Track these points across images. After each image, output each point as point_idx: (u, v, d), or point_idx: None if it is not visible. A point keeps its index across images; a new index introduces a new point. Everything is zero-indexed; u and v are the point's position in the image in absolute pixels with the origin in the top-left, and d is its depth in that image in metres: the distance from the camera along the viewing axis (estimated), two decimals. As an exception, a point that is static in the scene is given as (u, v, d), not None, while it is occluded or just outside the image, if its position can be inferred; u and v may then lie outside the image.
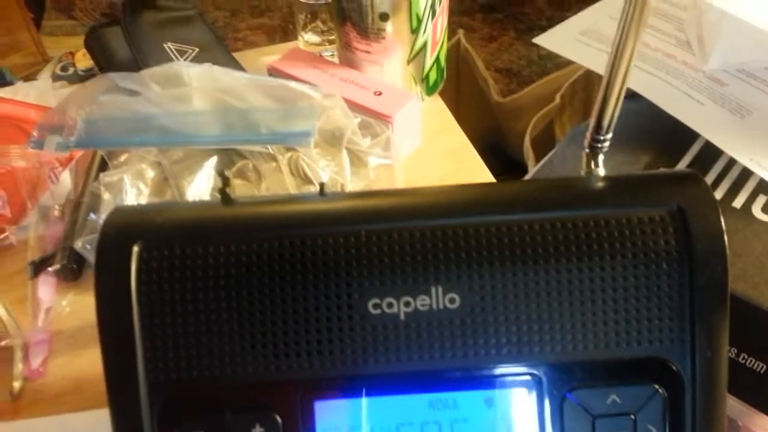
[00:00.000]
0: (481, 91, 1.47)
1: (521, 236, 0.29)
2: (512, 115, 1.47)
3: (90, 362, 0.45)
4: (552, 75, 1.44)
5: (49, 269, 0.50)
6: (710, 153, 0.62)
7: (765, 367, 0.58)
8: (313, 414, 0.29)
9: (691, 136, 0.62)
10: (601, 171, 0.32)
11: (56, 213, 0.55)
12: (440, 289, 0.29)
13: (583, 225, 0.29)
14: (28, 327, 0.47)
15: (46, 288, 0.50)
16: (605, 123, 0.31)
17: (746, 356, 0.58)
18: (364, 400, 0.30)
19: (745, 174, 0.61)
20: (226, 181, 0.32)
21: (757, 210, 0.59)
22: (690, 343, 0.29)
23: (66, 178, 0.57)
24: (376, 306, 0.29)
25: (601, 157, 0.32)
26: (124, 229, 0.30)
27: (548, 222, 0.29)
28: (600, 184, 0.31)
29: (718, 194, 0.61)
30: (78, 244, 0.50)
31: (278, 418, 0.29)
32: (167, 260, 0.29)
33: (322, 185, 0.32)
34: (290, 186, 0.48)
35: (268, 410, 0.29)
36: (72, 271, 0.50)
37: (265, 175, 0.48)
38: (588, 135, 0.31)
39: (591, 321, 0.29)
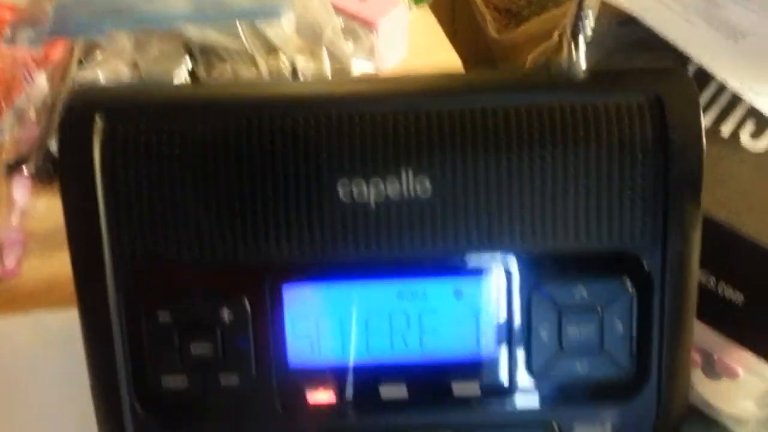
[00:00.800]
0: (477, 27, 1.44)
1: (495, 122, 0.28)
2: (509, 52, 1.45)
3: (64, 263, 0.44)
4: (550, 12, 1.41)
5: (24, 171, 0.49)
6: (701, 79, 0.61)
7: (743, 297, 0.59)
8: (281, 299, 0.29)
9: (683, 60, 0.61)
10: (582, 62, 0.31)
11: (32, 116, 0.54)
12: (411, 175, 0.28)
13: (559, 111, 0.28)
14: (2, 227, 0.46)
15: (20, 190, 0.49)
16: (587, 3, 0.29)
17: (725, 286, 0.59)
18: (333, 287, 0.29)
19: (735, 101, 0.60)
20: (194, 61, 0.31)
21: (745, 137, 0.59)
22: (661, 238, 0.29)
23: (42, 82, 0.55)
24: (345, 190, 0.28)
25: (582, 47, 0.30)
26: (88, 103, 0.29)
27: (523, 108, 0.28)
28: (579, 73, 0.30)
29: (707, 121, 0.60)
30: (53, 146, 0.49)
31: (246, 303, 0.29)
32: (132, 135, 0.28)
33: (294, 68, 0.31)
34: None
35: (237, 294, 0.29)
36: (47, 173, 0.49)
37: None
38: (569, 21, 0.30)
39: (563, 212, 0.29)
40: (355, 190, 0.28)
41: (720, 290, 0.59)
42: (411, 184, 0.28)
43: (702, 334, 0.64)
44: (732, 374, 0.66)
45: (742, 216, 0.55)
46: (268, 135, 0.28)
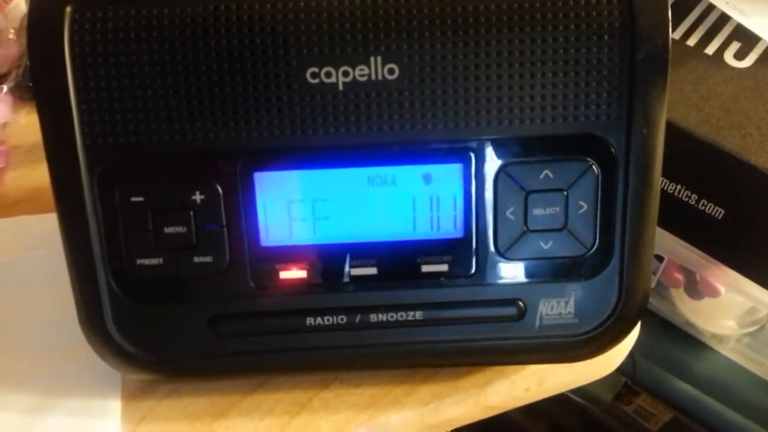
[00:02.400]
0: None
1: (464, 6, 0.28)
2: None
3: (46, 174, 0.45)
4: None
5: (5, 87, 0.49)
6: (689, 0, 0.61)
7: (723, 212, 0.60)
8: (252, 184, 0.30)
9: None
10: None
11: (11, 36, 0.53)
12: (379, 59, 0.29)
13: None
14: (-16, 142, 0.47)
15: (1, 105, 0.49)
16: None
17: (705, 202, 0.60)
18: (303, 172, 0.30)
19: (721, 21, 0.60)
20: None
21: (729, 56, 0.59)
22: (626, 120, 0.29)
23: (21, 2, 0.55)
24: (314, 75, 0.29)
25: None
26: None
27: None
28: (548, -41, 0.30)
29: (692, 41, 0.60)
30: (32, 62, 0.49)
31: (218, 188, 0.30)
32: (101, 22, 0.28)
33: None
34: None
35: (209, 179, 0.30)
36: (27, 88, 0.49)
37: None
38: None
39: (528, 95, 0.29)
40: (324, 77, 0.29)
41: (701, 206, 0.60)
42: (379, 69, 0.29)
43: (684, 253, 0.65)
44: (714, 293, 0.68)
45: (723, 132, 0.56)
46: (236, 22, 0.28)
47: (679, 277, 0.72)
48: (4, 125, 0.48)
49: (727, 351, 0.74)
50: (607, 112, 0.29)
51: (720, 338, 0.75)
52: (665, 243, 0.66)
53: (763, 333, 0.72)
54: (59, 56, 0.28)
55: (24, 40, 0.54)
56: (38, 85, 0.29)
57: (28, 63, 0.30)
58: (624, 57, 0.29)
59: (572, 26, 0.28)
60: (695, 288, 0.71)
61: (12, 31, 0.54)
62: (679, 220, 0.62)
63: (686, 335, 0.76)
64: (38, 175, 0.46)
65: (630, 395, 0.79)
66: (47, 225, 0.42)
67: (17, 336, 0.37)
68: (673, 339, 0.76)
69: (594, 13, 0.28)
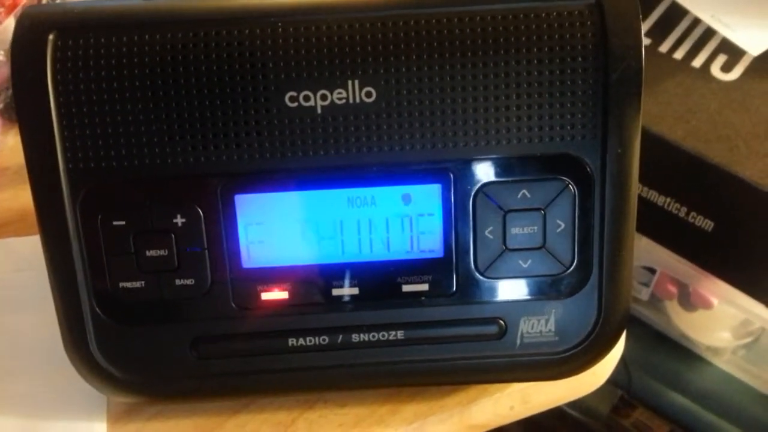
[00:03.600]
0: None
1: (439, 30, 0.29)
2: None
3: None
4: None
5: (-6, 110, 0.50)
6: (675, 13, 0.62)
7: (712, 225, 0.60)
8: (233, 207, 0.30)
9: (657, -3, 0.61)
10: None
11: (1, 58, 0.54)
12: (357, 83, 0.29)
13: (500, 18, 0.29)
14: (-25, 164, 0.47)
15: (-9, 128, 0.49)
16: None
17: (695, 215, 0.60)
18: (284, 195, 0.30)
19: (707, 34, 0.61)
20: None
21: (716, 69, 0.59)
22: (601, 139, 0.29)
23: (11, 24, 0.55)
24: (292, 99, 0.29)
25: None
26: (39, 19, 0.29)
27: (465, 15, 0.29)
28: (522, -19, 0.30)
29: (679, 54, 0.60)
30: (22, 85, 0.50)
31: (199, 211, 0.30)
32: (83, 49, 0.29)
33: (242, -18, 0.32)
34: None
35: (190, 203, 0.30)
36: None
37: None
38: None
39: (504, 117, 0.29)
40: (302, 100, 0.29)
41: (690, 219, 0.60)
42: (357, 93, 0.29)
43: (676, 265, 0.65)
44: (707, 305, 0.68)
45: (711, 144, 0.56)
46: (215, 47, 0.29)
47: (672, 289, 0.72)
48: (-6, 147, 0.49)
49: (722, 363, 0.74)
50: (582, 132, 0.29)
51: (715, 350, 0.75)
52: (657, 255, 0.66)
53: (757, 345, 0.72)
54: (42, 82, 0.29)
55: (15, 62, 0.54)
56: (21, 110, 0.30)
57: (12, 88, 0.30)
58: (598, 78, 0.29)
59: (546, 48, 0.29)
60: (688, 300, 0.71)
61: (2, 53, 0.54)
62: (670, 233, 0.62)
63: (681, 348, 0.76)
64: (27, 197, 0.45)
65: (627, 408, 0.79)
66: (35, 247, 0.43)
67: (3, 358, 0.37)
68: (669, 352, 0.76)
69: (567, 36, 0.29)
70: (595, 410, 0.80)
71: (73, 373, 0.32)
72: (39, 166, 0.30)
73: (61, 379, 0.35)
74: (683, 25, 0.62)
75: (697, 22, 0.60)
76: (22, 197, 0.46)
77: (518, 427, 0.38)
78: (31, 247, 0.42)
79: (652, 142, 0.56)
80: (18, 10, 0.56)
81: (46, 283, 0.33)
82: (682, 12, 0.61)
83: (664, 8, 0.62)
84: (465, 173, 0.30)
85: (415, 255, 0.31)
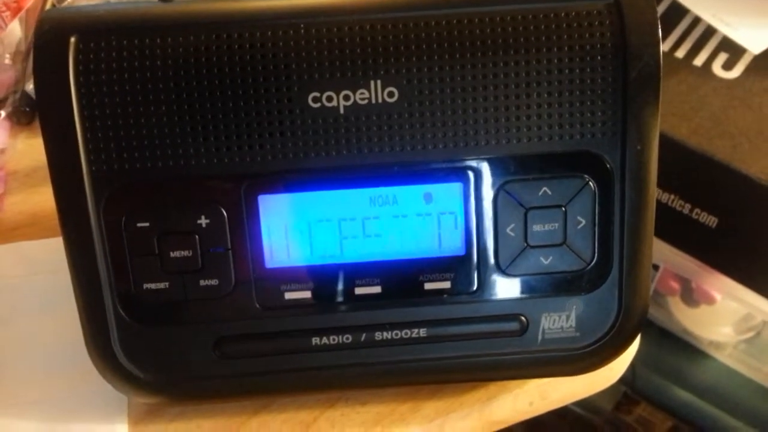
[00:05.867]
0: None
1: (460, 30, 0.29)
2: None
3: (45, 199, 0.45)
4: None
5: (2, 113, 0.50)
6: (676, 12, 0.62)
7: (716, 221, 0.61)
8: (257, 207, 0.30)
9: (657, -6, 0.62)
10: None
11: (7, 61, 0.54)
12: (379, 83, 0.29)
13: (520, 18, 0.29)
14: (-16, 168, 0.47)
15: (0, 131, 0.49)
16: None
17: (699, 211, 0.61)
18: (307, 194, 0.30)
19: (708, 33, 0.61)
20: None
21: (717, 67, 0.60)
22: (621, 136, 0.30)
23: (16, 27, 0.55)
24: (315, 99, 0.29)
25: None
26: (61, 22, 0.29)
27: (485, 16, 0.29)
28: (541, -19, 0.31)
29: (681, 53, 0.61)
30: (29, 88, 0.50)
31: (223, 211, 0.30)
32: (105, 52, 0.29)
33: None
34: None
35: (213, 203, 0.30)
36: (25, 114, 0.49)
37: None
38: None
39: (526, 115, 0.30)
40: (325, 101, 0.29)
41: (694, 215, 0.61)
42: (379, 93, 0.29)
43: (679, 261, 0.66)
44: (710, 300, 0.69)
45: (714, 142, 0.57)
46: (238, 49, 0.29)
47: (675, 285, 0.73)
48: (2, 151, 0.48)
49: (724, 357, 0.75)
50: (602, 129, 0.30)
51: (717, 345, 0.75)
52: (660, 252, 0.67)
53: (759, 339, 0.72)
54: (65, 85, 0.29)
55: (19, 66, 0.54)
56: (44, 113, 0.30)
57: (35, 92, 0.30)
58: (617, 76, 0.29)
59: (566, 47, 0.29)
60: (691, 296, 0.72)
61: (8, 56, 0.54)
62: (674, 229, 0.63)
63: (684, 343, 0.76)
64: (37, 200, 0.46)
65: (630, 404, 0.80)
66: (48, 250, 0.43)
67: (21, 361, 0.37)
68: (672, 347, 0.76)
69: (587, 35, 0.29)
70: (598, 406, 0.81)
71: (92, 375, 0.32)
72: (62, 169, 0.30)
73: (81, 382, 0.35)
74: (684, 23, 0.62)
75: (697, 20, 0.61)
76: (32, 201, 0.46)
77: (521, 423, 0.38)
78: (44, 250, 0.42)
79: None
80: (23, 14, 0.56)
81: (60, 286, 0.33)
82: (683, 11, 0.61)
83: (665, 7, 0.62)
84: (486, 172, 0.30)
85: (436, 253, 0.31)
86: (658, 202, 0.61)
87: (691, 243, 0.63)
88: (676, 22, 0.62)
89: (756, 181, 0.54)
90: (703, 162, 0.56)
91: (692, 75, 0.59)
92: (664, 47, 0.62)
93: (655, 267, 0.70)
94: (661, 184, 0.60)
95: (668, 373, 0.76)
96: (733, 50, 0.59)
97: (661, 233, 0.65)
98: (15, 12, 0.56)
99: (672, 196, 0.61)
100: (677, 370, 0.76)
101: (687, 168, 0.58)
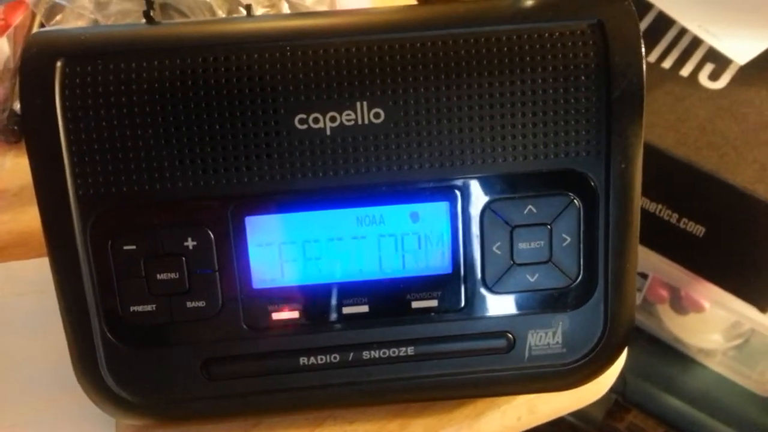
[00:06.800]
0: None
1: (445, 51, 0.29)
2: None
3: (33, 218, 0.44)
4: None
5: (-10, 131, 0.50)
6: (662, 23, 0.63)
7: (704, 230, 0.61)
8: (243, 229, 0.30)
9: (644, 6, 0.62)
10: (528, -8, 0.32)
11: (-5, 79, 0.54)
12: (365, 104, 0.29)
13: (505, 39, 0.29)
14: (-29, 187, 0.47)
15: (-13, 149, 0.49)
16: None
17: (686, 221, 0.61)
18: (294, 215, 0.31)
19: (694, 44, 0.62)
20: (150, 4, 0.31)
21: (703, 78, 0.60)
22: (605, 155, 0.30)
23: (3, 45, 0.55)
24: (302, 121, 0.29)
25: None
26: (47, 46, 0.29)
27: (471, 37, 0.30)
28: (526, 2, 0.31)
29: (667, 63, 0.62)
30: (18, 106, 0.49)
31: (210, 233, 0.30)
32: (91, 76, 0.29)
33: (248, 7, 0.32)
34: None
35: (200, 225, 0.30)
36: (13, 132, 0.49)
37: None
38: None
39: (511, 134, 0.30)
40: (311, 122, 0.29)
41: (682, 225, 0.61)
42: (365, 114, 0.29)
43: (668, 270, 0.66)
44: (699, 308, 0.69)
45: (701, 152, 0.57)
46: (224, 72, 0.29)
47: (664, 293, 0.73)
48: (-9, 170, 0.48)
49: (714, 365, 0.75)
50: (586, 148, 0.30)
51: (707, 352, 0.76)
52: (649, 261, 0.67)
53: (748, 346, 0.73)
54: (51, 109, 0.29)
55: (7, 83, 0.54)
56: (30, 136, 0.29)
57: (20, 115, 0.30)
58: (601, 95, 0.30)
59: (550, 68, 0.29)
60: (680, 303, 0.73)
61: (-5, 74, 0.54)
62: (662, 239, 0.64)
63: (674, 351, 0.77)
64: (26, 219, 0.46)
65: (621, 412, 0.80)
66: (36, 270, 0.43)
67: (8, 382, 0.37)
68: (662, 355, 0.77)
69: (570, 54, 0.29)
70: (589, 414, 0.81)
71: (80, 397, 0.32)
72: (48, 192, 0.29)
73: (68, 404, 0.35)
74: (671, 34, 0.63)
75: (684, 31, 0.62)
76: (21, 219, 0.46)
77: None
78: (33, 270, 0.42)
79: (643, 151, 0.57)
80: (11, 31, 0.56)
81: (49, 307, 0.32)
82: (669, 22, 0.62)
83: (651, 18, 0.63)
84: (472, 190, 0.31)
85: (423, 272, 0.31)
86: (646, 211, 0.62)
87: (679, 252, 0.64)
88: (662, 32, 0.63)
89: (742, 191, 0.55)
90: (689, 172, 0.57)
91: (679, 85, 0.60)
92: (650, 57, 0.63)
93: (644, 276, 0.71)
94: (649, 194, 0.61)
95: (659, 381, 0.76)
96: (720, 61, 0.60)
97: (649, 242, 0.65)
98: (3, 30, 0.55)
99: (660, 206, 0.61)
100: (667, 377, 0.76)
101: (674, 178, 0.58)
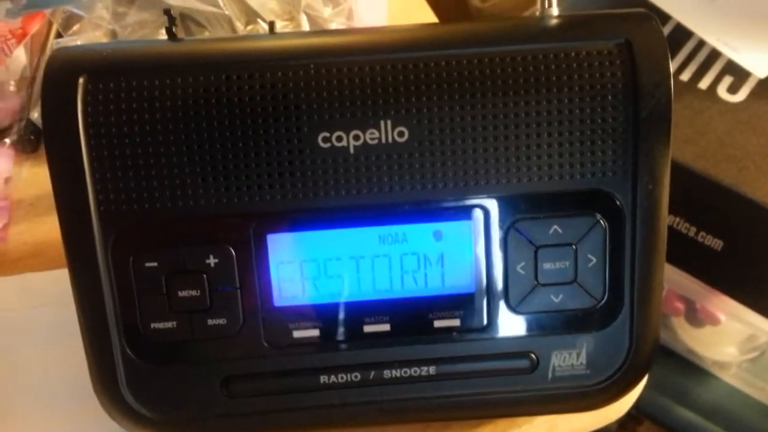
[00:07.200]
0: (458, -5, 1.43)
1: (470, 70, 0.29)
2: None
3: (50, 228, 0.45)
4: (531, -23, 1.41)
5: (7, 141, 0.50)
6: (680, 35, 0.62)
7: (722, 244, 0.60)
8: (265, 246, 0.30)
9: (662, 18, 0.62)
10: (555, 10, 0.31)
11: (11, 88, 0.54)
12: (389, 123, 0.29)
13: (531, 59, 0.29)
14: (-12, 196, 0.47)
15: (4, 159, 0.49)
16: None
17: (704, 234, 0.60)
18: (316, 233, 0.30)
19: (713, 56, 0.61)
20: (172, 20, 0.31)
21: (722, 91, 0.60)
22: (632, 176, 0.30)
23: (21, 54, 0.55)
24: (325, 139, 0.29)
25: (554, -4, 0.31)
26: (69, 62, 0.29)
27: (497, 56, 0.29)
28: (552, 21, 0.31)
29: (686, 76, 0.61)
30: (34, 116, 0.49)
31: (232, 251, 0.30)
32: (114, 93, 0.29)
33: (272, 24, 0.32)
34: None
35: (222, 243, 0.30)
36: (29, 142, 0.49)
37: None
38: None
39: (536, 154, 0.30)
40: (335, 141, 0.29)
41: (700, 238, 0.61)
42: (389, 133, 0.29)
43: (684, 282, 0.66)
44: (714, 321, 0.68)
45: (720, 165, 0.57)
46: (247, 89, 0.29)
47: (680, 305, 0.73)
48: (7, 180, 0.48)
49: (728, 377, 0.74)
50: (613, 168, 0.30)
51: (721, 365, 0.75)
52: (665, 273, 0.67)
53: (763, 359, 0.72)
54: (73, 125, 0.29)
55: (24, 93, 0.54)
56: (52, 152, 0.29)
57: (43, 131, 0.30)
58: (628, 115, 0.29)
59: (577, 87, 0.29)
60: (696, 316, 0.72)
61: (12, 83, 0.54)
62: (679, 252, 0.63)
63: (688, 363, 0.76)
64: (42, 229, 0.46)
65: (634, 424, 0.79)
66: (53, 282, 0.43)
67: (25, 395, 0.37)
68: (676, 367, 0.76)
69: (598, 74, 0.29)
70: (602, 426, 0.81)
71: (98, 412, 0.32)
72: (70, 209, 0.29)
73: (86, 418, 0.35)
74: (689, 46, 0.62)
75: (702, 44, 0.61)
76: (37, 230, 0.46)
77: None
78: (49, 282, 0.42)
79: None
80: (27, 40, 0.56)
81: (65, 319, 0.32)
82: (687, 34, 0.62)
83: (669, 30, 0.63)
84: (496, 210, 0.30)
85: (446, 291, 0.31)
86: (663, 224, 0.61)
87: (696, 265, 0.63)
88: (680, 44, 0.62)
89: (761, 205, 0.54)
90: (708, 185, 0.56)
91: (697, 98, 0.59)
92: (668, 70, 0.62)
93: (660, 288, 0.70)
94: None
95: (672, 393, 0.76)
96: (738, 74, 0.59)
97: (666, 255, 0.65)
98: (20, 39, 0.56)
99: (677, 219, 0.60)
100: (681, 389, 0.75)
101: (692, 191, 0.58)
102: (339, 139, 0.29)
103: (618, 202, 0.30)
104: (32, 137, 0.49)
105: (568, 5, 0.67)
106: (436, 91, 0.29)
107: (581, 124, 0.29)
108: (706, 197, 0.58)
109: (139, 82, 0.29)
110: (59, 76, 0.29)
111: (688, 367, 0.76)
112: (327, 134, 0.29)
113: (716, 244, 0.60)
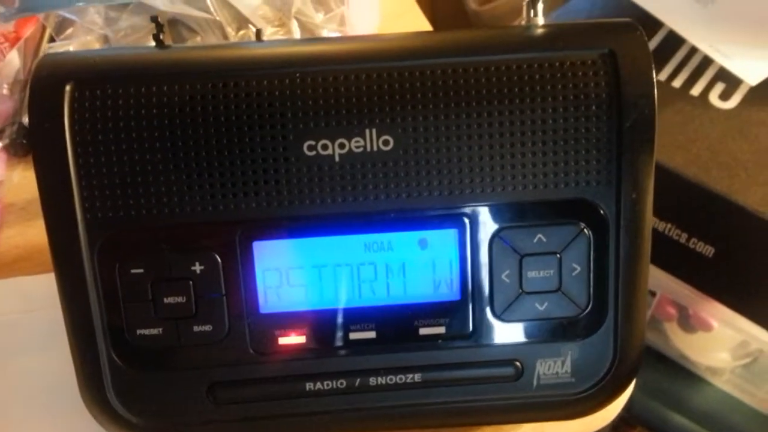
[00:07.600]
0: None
1: (455, 79, 0.29)
2: (490, 24, 1.45)
3: (41, 232, 0.44)
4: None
5: (-1, 144, 0.50)
6: (673, 42, 0.62)
7: (713, 250, 0.61)
8: (251, 254, 0.30)
9: (654, 25, 0.62)
10: (540, 20, 0.32)
11: (5, 92, 0.54)
12: (374, 131, 0.29)
13: (515, 68, 0.29)
14: (-20, 200, 0.47)
15: (-4, 163, 0.49)
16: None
17: (696, 240, 0.61)
18: (302, 241, 0.30)
19: (705, 63, 0.62)
20: (159, 27, 0.31)
21: (714, 98, 0.60)
22: (615, 185, 0.30)
23: (14, 58, 0.55)
24: (311, 147, 0.29)
25: (540, 6, 0.31)
26: (57, 69, 0.30)
27: (482, 65, 0.29)
28: (537, 31, 0.31)
29: (678, 82, 0.61)
30: (27, 120, 0.50)
31: (218, 258, 0.30)
32: (100, 100, 0.29)
33: (258, 32, 0.32)
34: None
35: (208, 250, 0.30)
36: (21, 146, 0.49)
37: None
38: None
39: (521, 163, 0.30)
40: (320, 149, 0.29)
41: (691, 245, 0.61)
42: (374, 141, 0.29)
43: (677, 289, 0.66)
44: (707, 327, 0.69)
45: (712, 172, 0.57)
46: (233, 97, 0.29)
47: (672, 311, 0.73)
48: None
49: (721, 383, 0.75)
50: (597, 178, 0.30)
51: (714, 371, 0.75)
52: (658, 279, 0.67)
53: (755, 365, 0.72)
54: (60, 132, 0.29)
55: (17, 96, 0.54)
56: (39, 159, 0.30)
57: (29, 137, 0.30)
58: (612, 125, 0.29)
59: (561, 97, 0.29)
60: (688, 322, 0.72)
61: (5, 86, 0.54)
62: (671, 258, 0.63)
63: (681, 368, 0.76)
64: (33, 233, 0.46)
65: (627, 429, 0.79)
66: (45, 285, 0.42)
67: (14, 400, 0.37)
68: (668, 372, 0.76)
69: (582, 84, 0.29)
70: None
71: (84, 416, 0.32)
72: (57, 215, 0.29)
73: (75, 424, 0.35)
74: (681, 53, 0.62)
75: (694, 50, 0.61)
76: (28, 234, 0.46)
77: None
78: (41, 286, 0.42)
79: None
80: (21, 44, 0.56)
81: (57, 323, 0.32)
82: (679, 41, 0.62)
83: (661, 37, 0.63)
84: (481, 218, 0.30)
85: (431, 298, 0.31)
86: (656, 230, 0.62)
87: (687, 271, 0.63)
88: (673, 52, 0.62)
89: (753, 212, 0.54)
90: (699, 192, 0.57)
91: (689, 105, 0.60)
92: (661, 76, 0.63)
93: (653, 293, 0.70)
94: (659, 214, 0.60)
95: (665, 398, 0.76)
96: (730, 80, 0.59)
97: (658, 261, 0.65)
98: (13, 42, 0.56)
99: (669, 225, 0.61)
100: (674, 395, 0.75)
101: (684, 198, 0.58)
102: (324, 147, 0.29)
103: (602, 212, 0.30)
104: (24, 141, 0.49)
105: (562, 12, 0.67)
106: (421, 100, 0.29)
107: (565, 133, 0.29)
108: (697, 204, 0.58)
109: (126, 90, 0.29)
110: (46, 83, 0.29)
111: (681, 373, 0.77)
112: (312, 142, 0.29)
113: (708, 250, 0.60)
